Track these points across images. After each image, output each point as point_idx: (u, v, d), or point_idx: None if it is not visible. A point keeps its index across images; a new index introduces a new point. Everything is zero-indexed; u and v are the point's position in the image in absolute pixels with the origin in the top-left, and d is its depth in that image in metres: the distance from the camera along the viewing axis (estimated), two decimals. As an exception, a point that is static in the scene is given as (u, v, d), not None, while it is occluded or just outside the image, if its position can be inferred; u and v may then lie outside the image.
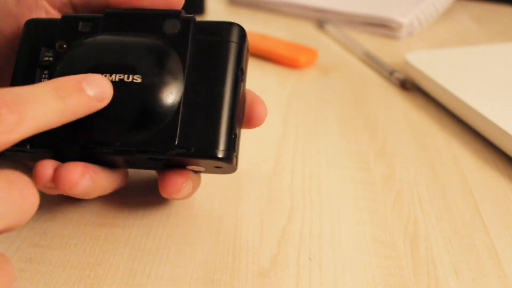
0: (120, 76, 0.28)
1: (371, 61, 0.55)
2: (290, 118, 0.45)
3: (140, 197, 0.34)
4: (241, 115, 0.30)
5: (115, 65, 0.28)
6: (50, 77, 0.29)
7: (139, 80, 0.28)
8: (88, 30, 0.30)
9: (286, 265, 0.30)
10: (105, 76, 0.28)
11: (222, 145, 0.28)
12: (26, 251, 0.30)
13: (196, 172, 0.31)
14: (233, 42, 0.29)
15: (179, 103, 0.28)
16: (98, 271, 0.29)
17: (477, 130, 0.42)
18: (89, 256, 0.30)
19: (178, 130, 0.28)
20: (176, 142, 0.28)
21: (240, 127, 0.31)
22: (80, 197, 0.29)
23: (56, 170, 0.27)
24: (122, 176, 0.31)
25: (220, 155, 0.28)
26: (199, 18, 0.31)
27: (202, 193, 0.35)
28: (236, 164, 0.30)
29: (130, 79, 0.28)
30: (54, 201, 0.33)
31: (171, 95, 0.28)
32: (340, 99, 0.48)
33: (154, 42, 0.29)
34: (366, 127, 0.43)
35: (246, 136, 0.42)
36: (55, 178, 0.27)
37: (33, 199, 0.22)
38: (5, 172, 0.22)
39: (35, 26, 0.30)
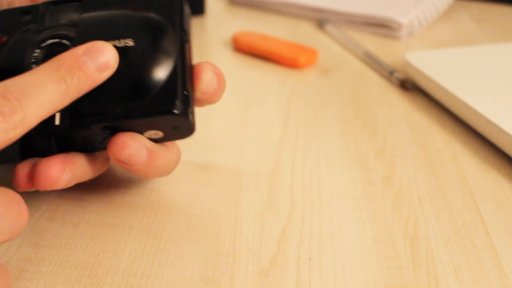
0: (112, 43, 0.28)
1: (371, 61, 0.55)
2: (290, 118, 0.45)
3: (140, 197, 0.34)
4: (190, 76, 0.30)
5: (101, 34, 0.28)
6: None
7: (131, 44, 0.28)
8: (26, 21, 0.29)
9: (286, 265, 0.30)
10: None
11: (177, 102, 0.27)
12: (26, 251, 0.30)
13: (155, 140, 0.30)
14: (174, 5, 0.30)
15: (175, 62, 0.28)
16: (98, 271, 0.29)
17: (477, 130, 0.42)
18: (89, 256, 0.30)
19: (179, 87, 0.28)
20: (176, 101, 0.27)
21: (192, 88, 0.30)
22: (58, 188, 0.28)
23: (33, 170, 0.27)
24: (101, 161, 0.30)
25: (176, 110, 0.27)
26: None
27: (202, 193, 0.35)
28: (194, 123, 0.29)
29: (123, 44, 0.28)
30: (54, 201, 0.33)
31: (167, 55, 0.28)
32: (340, 99, 0.48)
33: (130, 8, 0.30)
34: (366, 127, 0.43)
35: (246, 136, 0.42)
36: (35, 178, 0.27)
37: (25, 215, 0.23)
38: (3, 190, 0.22)
39: None
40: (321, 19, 0.65)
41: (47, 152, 0.28)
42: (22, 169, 0.27)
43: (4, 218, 0.22)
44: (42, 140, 0.28)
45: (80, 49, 0.25)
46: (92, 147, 0.29)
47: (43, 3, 0.30)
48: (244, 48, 0.57)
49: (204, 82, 0.30)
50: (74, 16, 0.30)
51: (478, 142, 0.42)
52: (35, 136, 0.27)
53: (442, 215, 0.34)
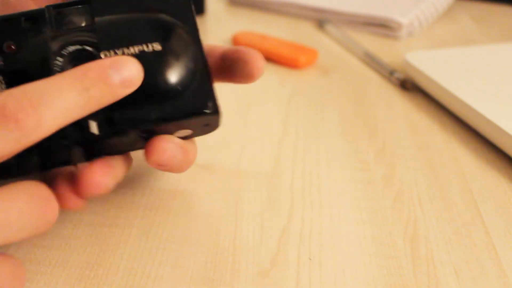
0: (139, 48, 0.27)
1: (371, 61, 0.55)
2: (290, 118, 0.45)
3: (140, 197, 0.34)
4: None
5: (125, 38, 0.27)
6: (9, 82, 0.26)
7: (159, 48, 0.27)
8: (30, 26, 0.28)
9: (286, 265, 0.30)
10: (123, 50, 0.27)
11: (209, 101, 0.28)
12: (26, 251, 0.30)
13: (183, 138, 0.30)
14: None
15: (202, 63, 0.28)
16: (98, 271, 0.29)
17: (477, 130, 0.42)
18: (89, 256, 0.30)
19: (210, 88, 0.28)
20: (208, 101, 0.28)
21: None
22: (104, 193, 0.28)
23: (75, 181, 0.26)
24: (129, 159, 0.31)
25: (210, 110, 0.28)
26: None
27: (202, 193, 0.35)
28: (221, 118, 0.30)
29: (151, 49, 0.27)
30: (54, 201, 0.33)
31: (193, 56, 0.28)
32: (340, 99, 0.48)
33: (152, 10, 0.29)
34: (366, 127, 0.43)
35: (246, 136, 0.42)
36: (80, 187, 0.26)
37: (52, 213, 0.22)
38: (26, 185, 0.22)
39: None
40: (321, 19, 0.65)
41: (70, 162, 0.27)
42: (62, 184, 0.26)
43: (25, 214, 0.21)
44: (69, 150, 0.27)
45: (107, 62, 0.25)
46: (123, 150, 0.29)
47: (48, 7, 0.28)
48: (244, 48, 0.57)
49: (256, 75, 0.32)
50: (85, 19, 0.28)
51: (478, 142, 0.42)
52: (67, 146, 0.26)
53: (442, 215, 0.34)
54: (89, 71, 0.24)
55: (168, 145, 0.28)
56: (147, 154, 0.28)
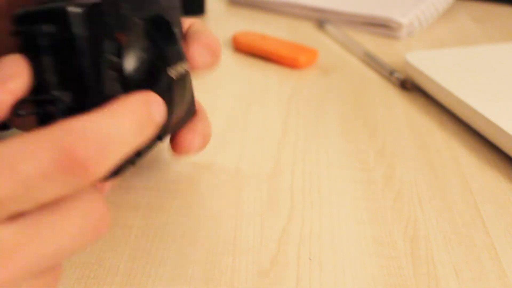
0: (178, 68, 0.27)
1: (371, 61, 0.55)
2: (290, 118, 0.45)
3: (140, 197, 0.34)
4: None
5: (168, 55, 0.26)
6: (125, 83, 0.24)
7: (183, 70, 0.28)
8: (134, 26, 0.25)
9: (286, 265, 0.30)
10: (171, 70, 0.26)
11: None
12: (26, 251, 0.30)
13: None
14: None
15: None
16: (98, 271, 0.29)
17: (477, 130, 0.42)
18: (89, 256, 0.30)
19: None
20: None
21: None
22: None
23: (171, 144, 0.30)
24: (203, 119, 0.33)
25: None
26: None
27: (202, 193, 0.35)
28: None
29: (183, 69, 0.27)
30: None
31: None
32: (340, 99, 0.48)
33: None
34: (366, 127, 0.43)
35: (246, 136, 0.42)
36: (175, 149, 0.30)
37: (105, 229, 0.21)
38: (82, 202, 0.20)
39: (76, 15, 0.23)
40: (321, 19, 0.65)
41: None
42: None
43: (78, 240, 0.20)
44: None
45: (148, 102, 0.23)
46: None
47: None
48: (244, 48, 0.57)
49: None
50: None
51: (478, 142, 0.42)
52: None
53: (442, 215, 0.34)
54: (143, 114, 0.22)
55: (192, 138, 0.31)
56: (175, 149, 0.31)
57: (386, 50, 0.58)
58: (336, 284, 0.28)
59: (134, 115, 0.21)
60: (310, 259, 0.30)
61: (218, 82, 0.51)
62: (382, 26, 0.63)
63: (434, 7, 0.66)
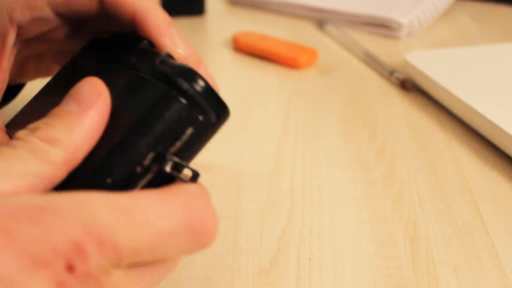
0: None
1: (371, 61, 0.55)
2: (290, 118, 0.45)
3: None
4: None
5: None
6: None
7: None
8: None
9: (286, 265, 0.30)
10: None
11: None
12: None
13: None
14: None
15: None
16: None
17: (477, 130, 0.42)
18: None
19: None
20: None
21: None
22: None
23: None
24: None
25: None
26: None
27: (202, 193, 0.35)
28: None
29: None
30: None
31: None
32: (340, 99, 0.48)
33: None
34: (366, 127, 0.43)
35: (246, 136, 0.42)
36: None
37: (211, 242, 0.21)
38: (186, 216, 0.20)
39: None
40: (321, 19, 0.65)
41: None
42: None
43: (180, 256, 0.21)
44: None
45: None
46: None
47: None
48: (244, 48, 0.57)
49: None
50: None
51: (478, 142, 0.42)
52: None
53: (442, 215, 0.34)
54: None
55: None
56: None
57: (386, 50, 0.58)
58: (336, 284, 0.28)
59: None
60: (310, 259, 0.30)
61: (218, 82, 0.50)
62: (382, 26, 0.63)
63: (434, 7, 0.66)
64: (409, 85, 0.49)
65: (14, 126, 0.29)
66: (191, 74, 0.24)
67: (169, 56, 0.26)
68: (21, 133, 0.21)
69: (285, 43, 0.57)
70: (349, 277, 0.29)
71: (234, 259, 0.30)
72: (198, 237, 0.20)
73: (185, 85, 0.23)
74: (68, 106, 0.22)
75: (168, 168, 0.23)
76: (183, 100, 0.23)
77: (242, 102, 0.47)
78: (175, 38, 0.28)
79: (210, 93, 0.24)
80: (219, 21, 0.67)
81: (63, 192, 0.19)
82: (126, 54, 0.27)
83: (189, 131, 0.23)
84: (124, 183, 0.22)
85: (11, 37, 0.29)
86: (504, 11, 0.72)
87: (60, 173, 0.21)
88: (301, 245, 0.31)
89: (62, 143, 0.21)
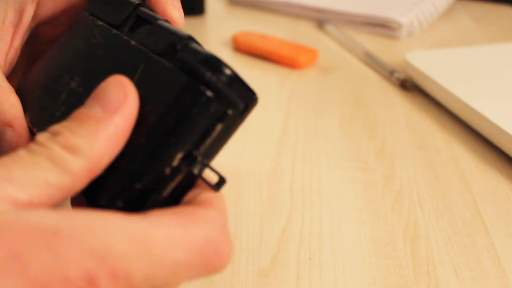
0: None
1: (371, 61, 0.55)
2: (290, 118, 0.45)
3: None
4: None
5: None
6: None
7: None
8: None
9: (286, 265, 0.30)
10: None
11: None
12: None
13: None
14: None
15: None
16: (98, 271, 0.29)
17: (477, 130, 0.42)
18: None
19: None
20: None
21: None
22: None
23: None
24: None
25: None
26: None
27: (202, 193, 0.35)
28: None
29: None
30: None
31: None
32: (340, 99, 0.48)
33: None
34: (366, 127, 0.43)
35: (246, 136, 0.42)
36: None
37: (227, 261, 0.20)
38: (197, 232, 0.19)
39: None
40: (321, 19, 0.65)
41: None
42: None
43: (194, 276, 0.19)
44: None
45: None
46: None
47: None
48: (244, 48, 0.57)
49: None
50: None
51: (478, 142, 0.42)
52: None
53: (442, 215, 0.34)
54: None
55: None
56: None
57: (386, 50, 0.58)
58: (336, 284, 0.28)
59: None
60: (310, 259, 0.30)
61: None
62: (382, 26, 0.63)
63: (434, 7, 0.66)
64: (409, 85, 0.49)
65: (26, 89, 0.28)
66: (216, 62, 0.22)
67: (190, 38, 0.23)
68: (41, 137, 0.20)
69: (285, 43, 0.57)
70: (349, 277, 0.29)
71: (234, 259, 0.30)
72: (211, 267, 0.20)
73: (213, 78, 0.21)
74: (92, 109, 0.20)
75: (196, 171, 0.22)
76: (212, 95, 0.21)
77: (242, 102, 0.47)
78: (174, 3, 0.27)
79: (237, 81, 0.22)
80: (219, 21, 0.67)
81: (80, 212, 0.18)
82: (128, 19, 0.26)
83: (219, 127, 0.22)
84: (153, 187, 0.21)
85: (29, 14, 0.28)
86: (504, 11, 0.72)
87: (80, 184, 0.20)
88: (301, 245, 0.31)
89: (84, 151, 0.19)
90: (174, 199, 0.22)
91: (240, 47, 0.57)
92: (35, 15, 0.28)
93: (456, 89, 0.44)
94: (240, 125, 0.23)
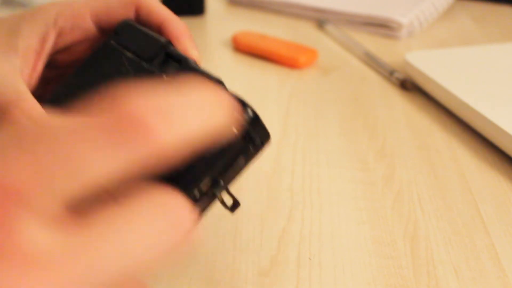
0: None
1: (371, 61, 0.55)
2: (290, 118, 0.45)
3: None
4: None
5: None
6: None
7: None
8: None
9: (286, 265, 0.30)
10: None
11: None
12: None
13: None
14: None
15: None
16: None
17: (477, 130, 0.42)
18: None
19: None
20: None
21: None
22: None
23: None
24: None
25: None
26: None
27: (202, 193, 0.35)
28: None
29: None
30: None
31: None
32: (340, 99, 0.48)
33: None
34: (366, 127, 0.43)
35: (246, 136, 0.42)
36: None
37: (185, 228, 0.16)
38: (155, 196, 0.16)
39: None
40: (321, 19, 0.65)
41: None
42: None
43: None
44: None
45: None
46: None
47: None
48: (244, 48, 0.57)
49: None
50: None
51: (478, 142, 0.42)
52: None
53: (442, 215, 0.34)
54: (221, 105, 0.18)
55: None
56: None
57: (386, 50, 0.58)
58: (336, 284, 0.28)
59: (203, 99, 0.17)
60: (310, 259, 0.30)
61: (218, 82, 0.51)
62: (382, 26, 0.63)
63: (434, 7, 0.66)
64: (409, 85, 0.49)
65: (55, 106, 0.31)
66: (243, 104, 0.25)
67: (220, 82, 0.26)
68: None
69: (285, 43, 0.57)
70: (349, 277, 0.29)
71: (234, 259, 0.30)
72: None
73: (241, 122, 0.25)
74: None
75: (218, 194, 0.25)
76: (238, 134, 0.25)
77: (242, 102, 0.47)
78: (192, 42, 0.31)
79: (257, 121, 0.25)
80: (219, 21, 0.67)
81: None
82: (158, 54, 0.28)
83: (241, 160, 0.25)
84: None
85: (51, 41, 0.31)
86: (504, 11, 0.72)
87: None
88: (301, 245, 0.31)
89: None
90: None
91: (240, 47, 0.57)
92: (55, 44, 0.31)
93: (456, 89, 0.44)
94: (255, 158, 0.26)
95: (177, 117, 0.16)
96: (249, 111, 0.25)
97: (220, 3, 0.73)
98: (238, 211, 0.33)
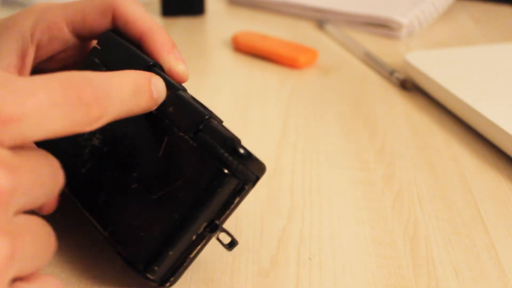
0: None
1: (371, 61, 0.55)
2: (290, 118, 0.45)
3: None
4: None
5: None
6: None
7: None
8: None
9: (286, 265, 0.30)
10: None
11: None
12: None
13: None
14: None
15: None
16: (98, 271, 0.29)
17: (477, 130, 0.42)
18: (88, 255, 0.30)
19: None
20: None
21: None
22: None
23: None
24: None
25: None
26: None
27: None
28: None
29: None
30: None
31: None
32: (340, 99, 0.48)
33: None
34: (366, 127, 0.43)
35: (246, 136, 0.42)
36: None
37: (53, 247, 0.21)
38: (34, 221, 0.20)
39: None
40: (321, 19, 0.65)
41: None
42: None
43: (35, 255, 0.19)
44: None
45: (149, 76, 0.25)
46: None
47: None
48: (244, 48, 0.57)
49: None
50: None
51: (478, 142, 0.42)
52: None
53: (442, 215, 0.34)
54: (141, 79, 0.24)
55: None
56: None
57: (386, 50, 0.58)
58: (336, 284, 0.28)
59: (135, 81, 0.23)
60: (310, 259, 0.30)
61: (218, 82, 0.51)
62: (382, 26, 0.63)
63: (434, 7, 0.66)
64: (409, 85, 0.49)
65: None
66: (232, 143, 0.25)
67: (210, 117, 0.26)
68: None
69: (285, 43, 0.57)
70: (349, 277, 0.29)
71: (234, 259, 0.30)
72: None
73: (233, 161, 0.24)
74: None
75: (215, 235, 0.26)
76: (234, 178, 0.25)
77: (242, 102, 0.47)
78: (177, 56, 0.29)
79: (251, 158, 0.25)
80: (219, 21, 0.67)
81: None
82: None
83: (237, 200, 0.26)
84: (183, 252, 0.26)
85: (30, 56, 0.31)
86: (504, 11, 0.72)
87: None
88: (301, 245, 0.31)
89: None
90: (195, 257, 0.27)
91: (240, 47, 0.57)
92: (35, 57, 0.31)
93: (456, 89, 0.44)
94: (250, 191, 0.26)
95: (111, 98, 0.21)
96: (241, 151, 0.25)
97: (220, 3, 0.73)
98: (238, 211, 0.33)
